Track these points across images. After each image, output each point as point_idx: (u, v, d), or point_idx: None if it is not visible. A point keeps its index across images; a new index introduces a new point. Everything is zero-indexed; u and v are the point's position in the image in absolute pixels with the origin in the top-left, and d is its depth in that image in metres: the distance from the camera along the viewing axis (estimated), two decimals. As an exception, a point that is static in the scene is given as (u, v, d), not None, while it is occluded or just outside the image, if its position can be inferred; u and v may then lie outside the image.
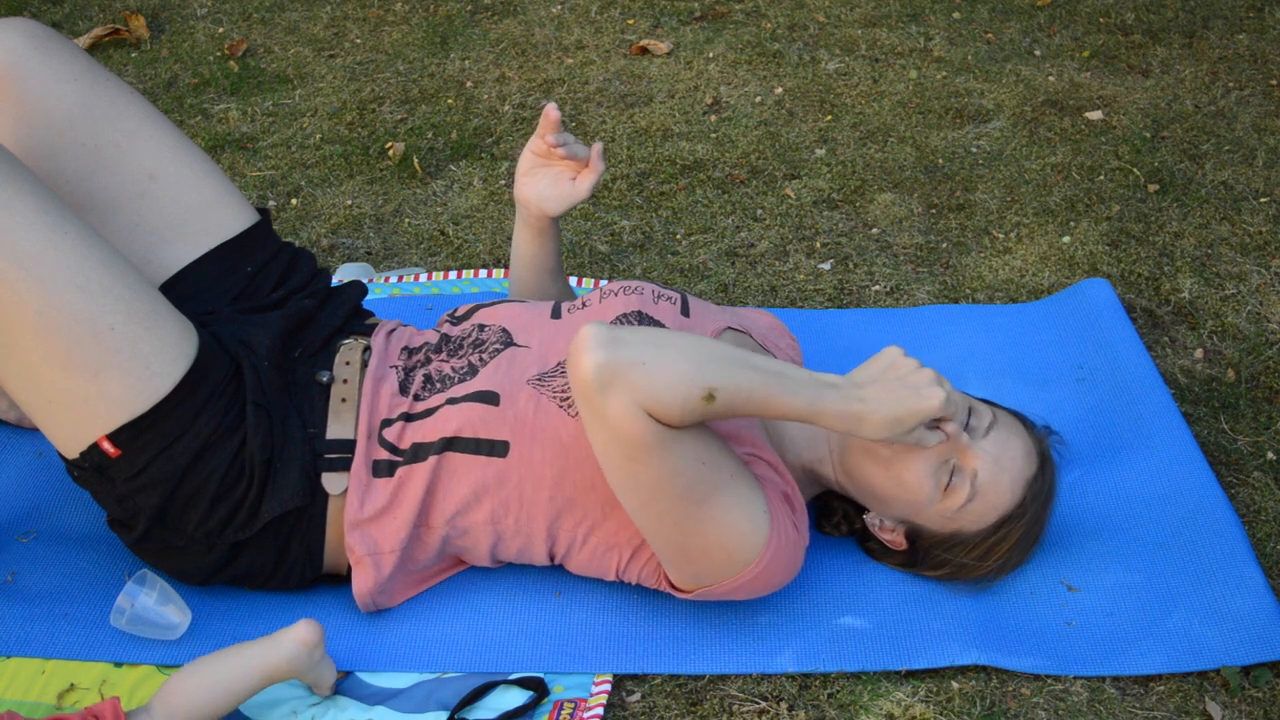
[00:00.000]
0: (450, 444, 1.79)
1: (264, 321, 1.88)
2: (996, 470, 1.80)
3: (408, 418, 1.82)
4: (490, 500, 1.79)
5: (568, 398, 1.79)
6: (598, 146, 1.96)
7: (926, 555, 1.87)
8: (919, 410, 1.67)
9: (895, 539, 1.89)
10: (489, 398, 1.80)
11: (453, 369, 1.86)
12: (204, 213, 1.96)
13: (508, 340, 1.88)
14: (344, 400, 1.83)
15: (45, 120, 1.90)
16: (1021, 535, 1.83)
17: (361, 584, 1.81)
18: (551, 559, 1.86)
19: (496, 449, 1.78)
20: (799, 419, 1.66)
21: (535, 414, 1.79)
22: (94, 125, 1.92)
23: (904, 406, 1.67)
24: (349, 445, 1.81)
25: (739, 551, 1.70)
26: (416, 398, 1.84)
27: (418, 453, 1.79)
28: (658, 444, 1.61)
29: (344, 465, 1.80)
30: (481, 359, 1.86)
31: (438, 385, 1.84)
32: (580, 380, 1.60)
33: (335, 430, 1.82)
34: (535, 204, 2.00)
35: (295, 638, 1.67)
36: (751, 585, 1.73)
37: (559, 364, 1.83)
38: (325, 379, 1.86)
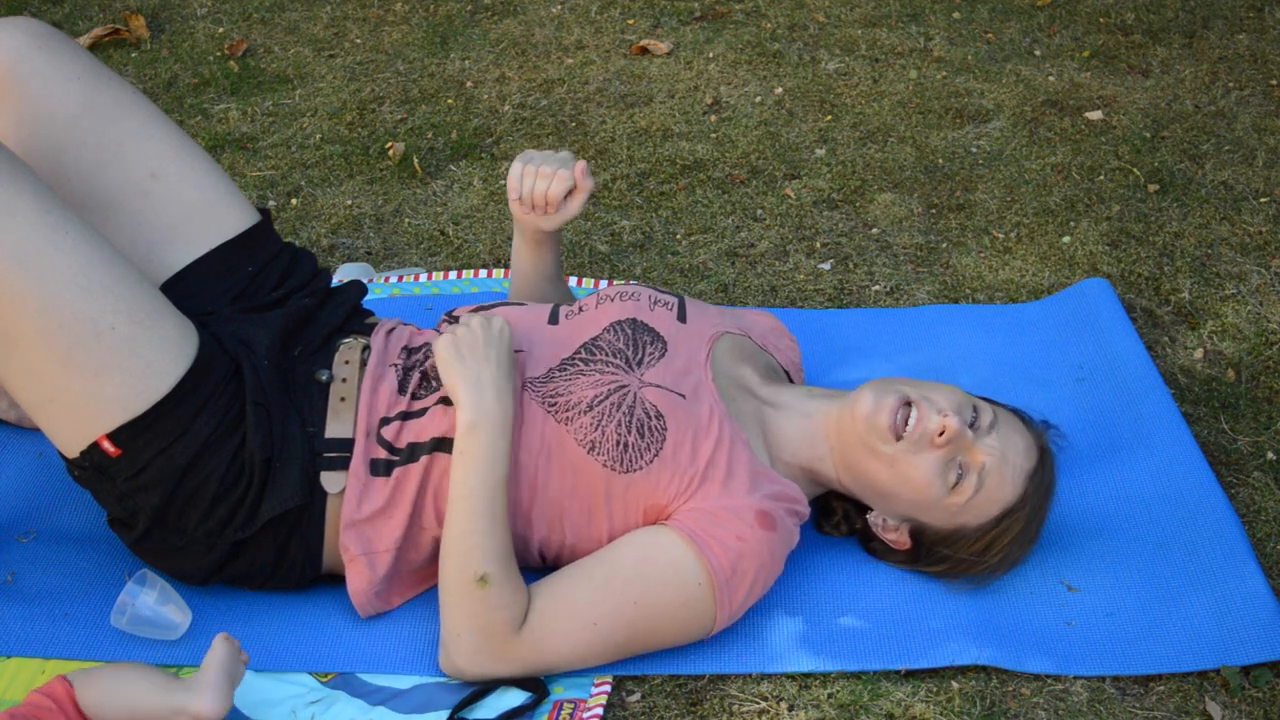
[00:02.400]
0: (440, 444, 1.79)
1: (264, 321, 1.88)
2: (1000, 465, 1.81)
3: (405, 417, 1.82)
4: None
5: (555, 403, 1.79)
6: (581, 165, 1.96)
7: (928, 552, 1.87)
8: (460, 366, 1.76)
9: (899, 538, 1.89)
10: None
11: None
12: (206, 212, 1.96)
13: (503, 343, 1.88)
14: (343, 399, 1.83)
15: (48, 119, 1.90)
16: (1021, 530, 1.84)
17: (356, 583, 1.81)
18: (543, 560, 1.87)
19: None
20: (498, 461, 1.73)
21: (524, 418, 1.79)
22: (97, 124, 1.92)
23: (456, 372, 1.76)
24: (348, 444, 1.81)
25: (694, 623, 1.76)
26: (414, 396, 1.84)
27: (412, 452, 1.80)
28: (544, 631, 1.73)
29: (343, 464, 1.80)
30: (478, 361, 1.86)
31: (434, 385, 1.84)
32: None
33: (334, 429, 1.82)
34: (530, 222, 2.01)
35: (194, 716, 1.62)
36: (732, 619, 1.77)
37: (550, 369, 1.83)
38: (324, 378, 1.86)
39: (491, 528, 1.72)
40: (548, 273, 2.12)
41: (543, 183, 1.96)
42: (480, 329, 1.80)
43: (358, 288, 2.05)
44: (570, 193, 1.97)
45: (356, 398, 1.83)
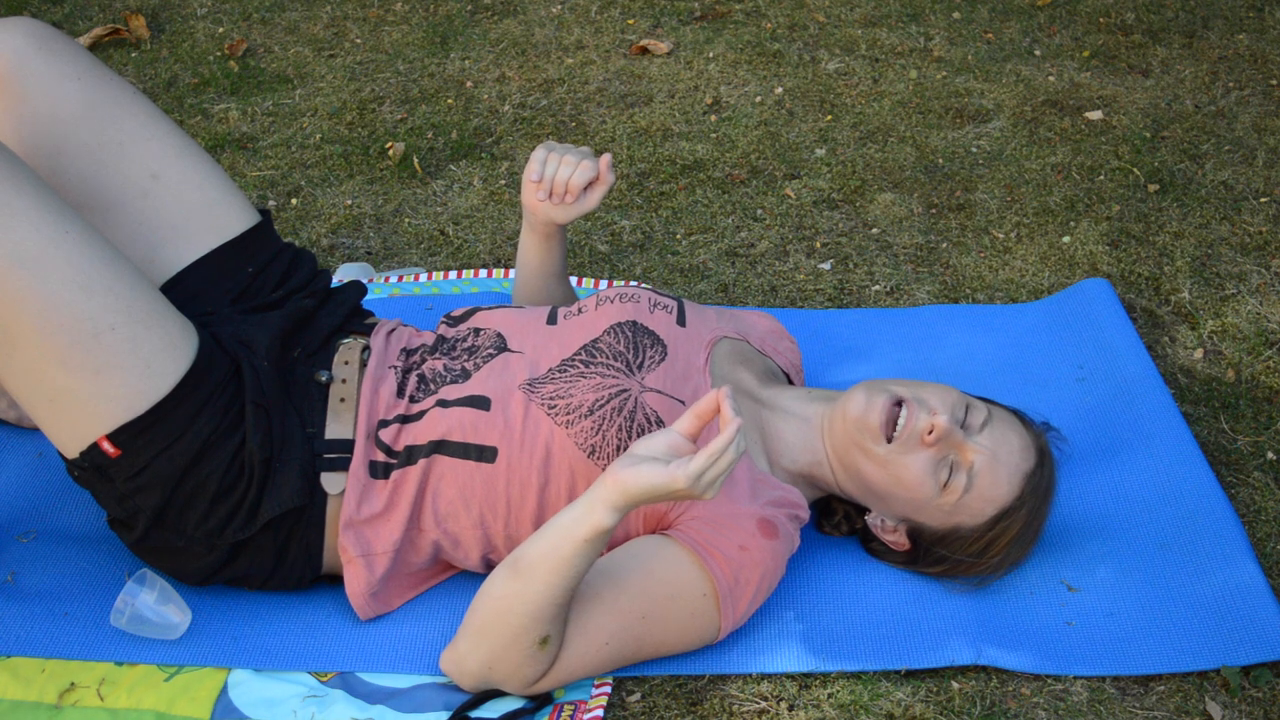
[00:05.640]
0: (439, 446, 1.79)
1: (264, 321, 1.88)
2: (993, 464, 1.80)
3: (403, 420, 1.82)
4: (478, 505, 1.80)
5: (555, 405, 1.79)
6: (606, 158, 1.95)
7: (926, 553, 1.87)
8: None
9: (898, 539, 1.89)
10: (480, 402, 1.80)
11: (445, 369, 1.86)
12: (206, 213, 1.96)
13: (502, 345, 1.88)
14: (343, 400, 1.83)
15: (48, 119, 1.90)
16: (1019, 531, 1.84)
17: (355, 584, 1.81)
18: None
19: (485, 454, 1.78)
20: (594, 538, 1.61)
21: (524, 421, 1.79)
22: (97, 124, 1.92)
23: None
24: (348, 445, 1.81)
25: (698, 633, 1.76)
26: (412, 399, 1.84)
27: (410, 455, 1.80)
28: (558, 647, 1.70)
29: (343, 465, 1.80)
30: (475, 363, 1.86)
31: (431, 387, 1.84)
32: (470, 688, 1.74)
33: (334, 430, 1.82)
34: (543, 213, 2.00)
35: None
36: (736, 626, 1.77)
37: (550, 370, 1.83)
38: (324, 379, 1.86)
39: (570, 598, 1.68)
40: (554, 269, 2.12)
41: (566, 169, 1.94)
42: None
43: (357, 288, 2.05)
44: (591, 184, 1.97)
45: (356, 399, 1.83)
